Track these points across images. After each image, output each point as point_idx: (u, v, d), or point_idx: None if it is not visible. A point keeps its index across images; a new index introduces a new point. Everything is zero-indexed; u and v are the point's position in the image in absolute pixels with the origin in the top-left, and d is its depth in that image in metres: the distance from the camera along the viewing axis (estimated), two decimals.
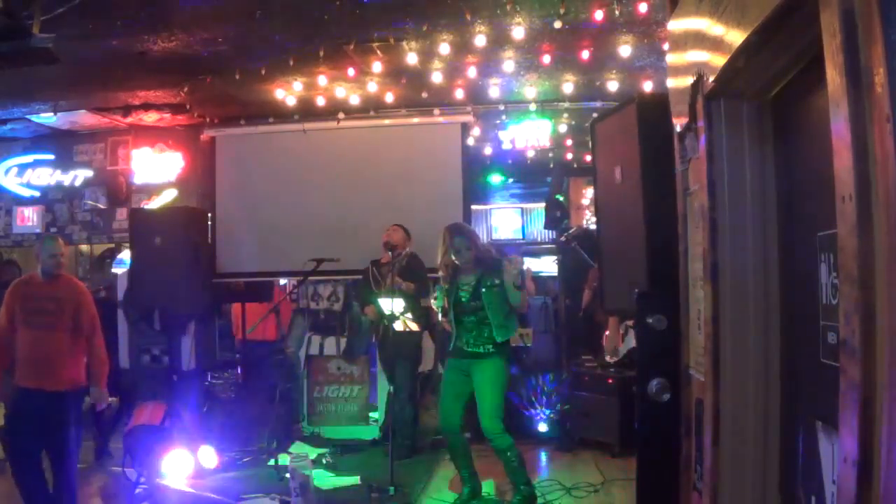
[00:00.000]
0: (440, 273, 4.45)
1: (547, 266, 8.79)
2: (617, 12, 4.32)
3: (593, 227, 5.63)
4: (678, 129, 2.42)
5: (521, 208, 11.43)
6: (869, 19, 1.10)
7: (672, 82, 2.56)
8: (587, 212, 9.06)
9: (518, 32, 4.66)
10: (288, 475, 4.28)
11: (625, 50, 4.97)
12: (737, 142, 2.04)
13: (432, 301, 4.53)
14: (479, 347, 4.29)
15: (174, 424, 4.85)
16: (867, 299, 1.13)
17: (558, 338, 6.90)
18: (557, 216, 7.71)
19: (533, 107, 6.52)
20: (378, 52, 5.02)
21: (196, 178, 7.10)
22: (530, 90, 6.12)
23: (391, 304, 4.90)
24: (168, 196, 7.25)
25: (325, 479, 4.85)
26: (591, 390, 5.68)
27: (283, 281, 7.40)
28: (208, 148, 6.85)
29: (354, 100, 6.19)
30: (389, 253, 5.28)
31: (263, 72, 5.45)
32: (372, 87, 5.83)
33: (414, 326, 5.10)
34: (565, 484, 4.75)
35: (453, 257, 4.33)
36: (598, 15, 4.35)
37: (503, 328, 4.26)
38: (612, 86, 5.83)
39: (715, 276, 2.04)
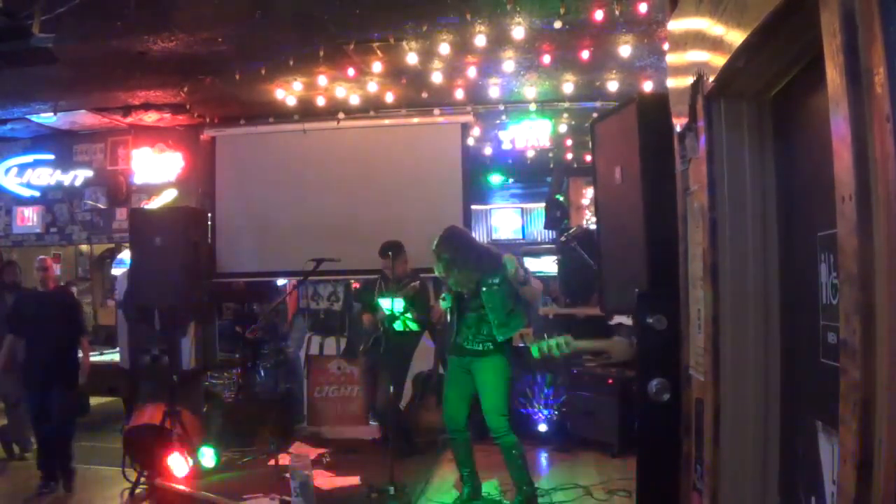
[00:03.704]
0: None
1: (547, 266, 8.78)
2: (617, 12, 4.32)
3: (593, 227, 5.63)
4: (678, 129, 2.42)
5: (521, 208, 11.45)
6: (869, 19, 1.10)
7: (672, 82, 2.56)
8: (587, 212, 9.05)
9: (518, 32, 4.66)
10: (288, 475, 4.28)
11: (625, 50, 4.97)
12: (737, 142, 2.04)
13: (441, 302, 4.51)
14: (478, 345, 4.28)
15: (174, 424, 4.85)
16: (867, 299, 1.13)
17: None
18: (557, 216, 7.71)
19: (533, 107, 6.52)
20: (378, 52, 5.02)
21: (196, 178, 7.10)
22: (530, 90, 6.12)
23: (391, 305, 4.90)
24: (168, 196, 7.24)
25: (325, 479, 4.85)
26: (591, 390, 5.67)
27: (282, 281, 7.41)
28: (208, 148, 6.85)
29: (354, 100, 6.19)
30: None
31: (263, 72, 5.45)
32: (372, 87, 5.83)
33: (414, 326, 5.11)
34: (565, 485, 4.75)
35: None
36: (598, 15, 4.35)
37: (504, 327, 4.24)
38: (612, 86, 5.83)
39: (715, 276, 2.04)
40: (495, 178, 10.12)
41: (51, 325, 5.15)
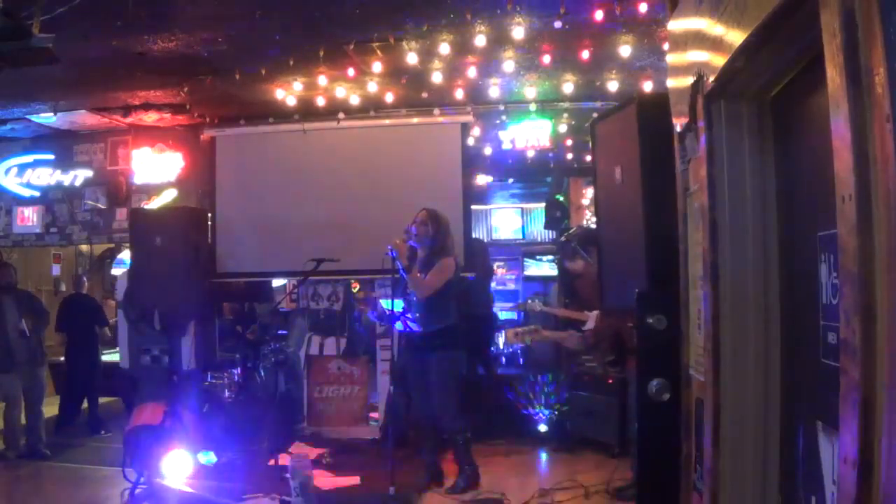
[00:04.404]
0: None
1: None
2: (617, 12, 4.32)
3: (593, 227, 5.64)
4: (678, 129, 2.42)
5: (521, 208, 11.43)
6: (869, 19, 1.10)
7: (672, 82, 2.56)
8: (587, 212, 9.05)
9: (518, 32, 4.66)
10: (288, 475, 4.28)
11: (625, 50, 4.97)
12: (737, 142, 2.04)
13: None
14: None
15: (174, 424, 4.85)
16: (867, 299, 1.13)
17: None
18: (557, 216, 7.72)
19: (533, 107, 6.51)
20: (378, 52, 5.01)
21: (196, 178, 7.10)
22: (530, 90, 6.12)
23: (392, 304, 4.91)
24: (168, 196, 7.25)
25: (325, 479, 4.85)
26: (591, 390, 5.67)
27: (283, 281, 7.40)
28: (208, 148, 6.84)
29: (354, 100, 6.19)
30: None
31: (263, 72, 5.45)
32: (372, 87, 5.83)
33: (414, 326, 5.11)
34: (565, 484, 4.76)
35: None
36: (598, 15, 4.35)
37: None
38: (612, 86, 5.82)
39: (715, 276, 2.04)
40: (482, 180, 9.76)
41: None
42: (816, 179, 1.61)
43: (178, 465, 4.70)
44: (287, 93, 5.98)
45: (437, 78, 5.58)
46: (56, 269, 9.76)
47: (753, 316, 2.01)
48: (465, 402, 5.03)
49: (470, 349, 5.69)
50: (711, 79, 1.96)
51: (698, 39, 2.12)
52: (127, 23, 4.35)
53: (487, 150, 7.93)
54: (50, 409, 6.47)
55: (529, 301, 6.74)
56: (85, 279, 7.68)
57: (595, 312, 5.21)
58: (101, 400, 7.85)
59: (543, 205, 8.71)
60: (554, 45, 4.99)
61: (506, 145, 7.22)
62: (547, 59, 5.24)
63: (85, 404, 7.04)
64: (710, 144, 2.06)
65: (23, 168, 7.61)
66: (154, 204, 7.15)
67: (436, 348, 4.64)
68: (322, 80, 5.71)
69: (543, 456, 5.69)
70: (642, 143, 2.78)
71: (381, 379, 6.14)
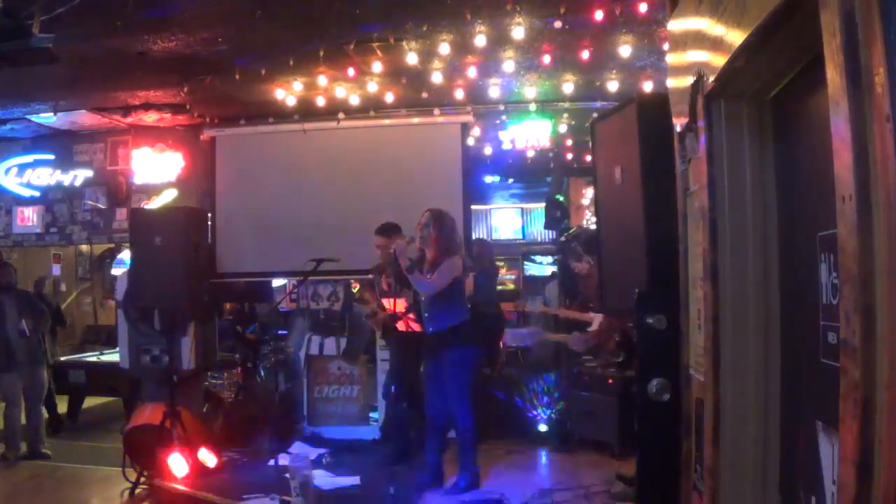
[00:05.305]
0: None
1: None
2: (617, 12, 4.32)
3: (593, 227, 5.64)
4: (678, 129, 2.42)
5: (521, 208, 11.44)
6: (869, 19, 1.10)
7: (672, 82, 2.57)
8: (587, 212, 9.05)
9: (518, 32, 4.65)
10: (288, 475, 4.28)
11: (625, 50, 4.97)
12: (737, 142, 2.04)
13: None
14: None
15: (174, 424, 4.85)
16: (867, 299, 1.13)
17: None
18: (557, 216, 7.72)
19: (533, 107, 6.51)
20: (378, 52, 5.01)
21: (196, 178, 7.09)
22: (530, 90, 6.12)
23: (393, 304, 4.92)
24: (168, 196, 7.24)
25: (325, 479, 4.85)
26: (591, 390, 5.66)
27: (283, 281, 7.41)
28: (208, 148, 6.84)
29: (354, 100, 6.19)
30: None
31: (263, 72, 5.44)
32: (372, 87, 5.83)
33: (416, 326, 5.11)
34: (565, 485, 4.76)
35: None
36: (598, 15, 4.35)
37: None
38: (612, 86, 5.82)
39: (715, 276, 2.04)
40: (491, 179, 10.00)
41: None
42: (816, 179, 1.61)
43: (178, 465, 4.70)
44: (287, 93, 5.97)
45: (437, 78, 5.58)
46: (56, 269, 9.76)
47: (753, 316, 2.02)
48: (477, 399, 5.03)
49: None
50: (711, 79, 1.96)
51: (698, 39, 2.12)
52: (127, 23, 4.35)
53: (487, 150, 7.93)
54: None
55: (529, 301, 6.74)
56: (45, 280, 7.64)
57: (601, 315, 5.20)
58: (101, 400, 7.87)
59: (543, 205, 8.72)
60: (554, 45, 4.98)
61: (506, 145, 7.22)
62: (547, 59, 5.23)
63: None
64: (710, 144, 2.06)
65: (23, 168, 7.61)
66: (154, 204, 7.15)
67: (451, 345, 4.61)
68: (322, 80, 5.71)
69: (543, 456, 5.68)
70: (642, 143, 2.79)
71: (381, 379, 6.13)
